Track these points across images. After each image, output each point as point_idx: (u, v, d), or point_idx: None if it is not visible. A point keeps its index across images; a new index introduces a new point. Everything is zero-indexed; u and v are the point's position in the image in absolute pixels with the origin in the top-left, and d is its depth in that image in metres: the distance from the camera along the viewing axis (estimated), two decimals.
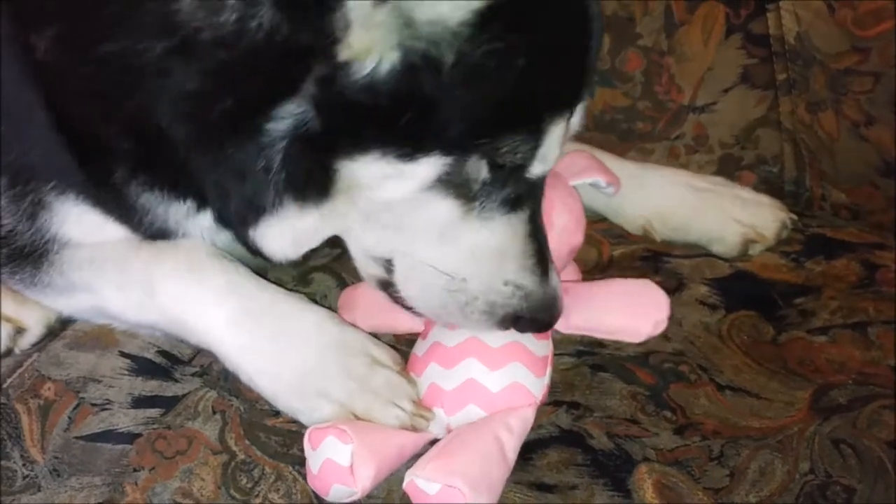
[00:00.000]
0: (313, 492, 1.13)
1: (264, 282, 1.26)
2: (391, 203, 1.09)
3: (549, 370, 1.22)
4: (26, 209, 1.29)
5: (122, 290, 1.30)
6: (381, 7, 0.93)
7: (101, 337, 1.36)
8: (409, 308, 1.20)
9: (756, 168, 1.73)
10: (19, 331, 1.38)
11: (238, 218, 1.13)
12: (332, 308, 1.34)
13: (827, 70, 1.66)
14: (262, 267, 1.36)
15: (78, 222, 1.31)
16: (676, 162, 1.72)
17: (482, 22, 0.96)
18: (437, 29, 0.96)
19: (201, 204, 1.21)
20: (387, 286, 1.20)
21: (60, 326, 1.40)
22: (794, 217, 1.56)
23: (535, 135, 1.10)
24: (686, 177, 1.58)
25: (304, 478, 1.14)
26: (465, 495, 1.03)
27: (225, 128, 1.05)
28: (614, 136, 1.73)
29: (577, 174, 1.37)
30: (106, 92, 1.13)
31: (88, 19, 1.11)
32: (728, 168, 1.72)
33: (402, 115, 0.99)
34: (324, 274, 1.45)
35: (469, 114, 1.02)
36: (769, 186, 1.69)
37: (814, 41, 1.65)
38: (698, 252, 1.51)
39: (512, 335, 1.19)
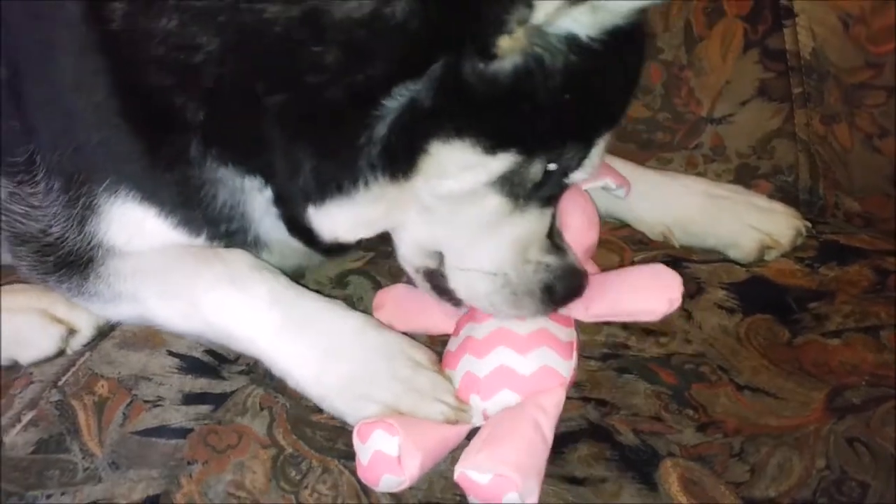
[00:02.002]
0: (359, 483, 1.16)
1: (305, 290, 1.30)
2: (452, 195, 1.15)
3: (575, 354, 1.27)
4: (77, 213, 1.31)
5: (168, 300, 1.33)
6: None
7: (149, 337, 1.39)
8: (452, 299, 1.27)
9: (772, 177, 1.75)
10: (71, 332, 1.40)
11: (303, 193, 1.16)
12: (368, 309, 1.38)
13: (841, 84, 1.68)
14: (299, 273, 1.42)
15: (124, 223, 1.32)
16: (694, 171, 1.75)
17: (600, 40, 1.03)
18: (560, 41, 1.03)
19: (266, 181, 1.24)
20: (433, 277, 1.27)
21: (109, 327, 1.42)
22: (809, 224, 1.59)
23: (589, 145, 1.19)
24: (704, 185, 1.61)
25: (350, 471, 1.18)
26: (517, 483, 1.08)
27: (336, 101, 1.08)
28: (635, 145, 1.76)
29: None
30: (191, 54, 1.13)
31: None
32: (744, 177, 1.75)
33: (507, 110, 1.07)
34: (360, 277, 1.49)
35: (555, 119, 1.10)
36: (784, 195, 1.71)
37: (829, 56, 1.67)
38: (716, 258, 1.54)
39: (538, 323, 1.25)
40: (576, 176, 1.22)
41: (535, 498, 1.10)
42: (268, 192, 1.26)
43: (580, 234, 1.36)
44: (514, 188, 1.17)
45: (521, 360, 1.22)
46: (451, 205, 1.18)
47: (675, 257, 1.53)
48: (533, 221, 1.22)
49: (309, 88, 1.07)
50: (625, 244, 1.56)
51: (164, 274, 1.32)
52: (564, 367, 1.24)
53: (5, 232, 1.42)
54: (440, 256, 1.26)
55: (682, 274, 1.49)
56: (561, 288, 1.24)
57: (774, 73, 1.72)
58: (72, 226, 1.32)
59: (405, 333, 1.31)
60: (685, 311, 1.42)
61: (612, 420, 1.24)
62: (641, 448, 1.21)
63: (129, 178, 1.28)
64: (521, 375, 1.22)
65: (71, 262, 1.35)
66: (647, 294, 1.33)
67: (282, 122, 1.12)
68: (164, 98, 1.19)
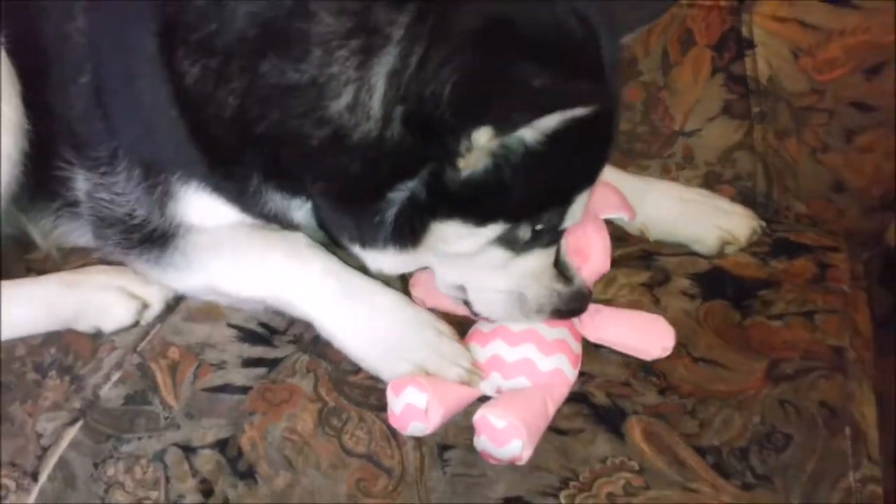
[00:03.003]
0: (388, 429, 1.34)
1: (352, 269, 1.46)
2: (458, 252, 1.33)
3: (579, 364, 1.41)
4: (157, 199, 1.47)
5: (236, 271, 1.49)
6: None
7: (210, 311, 1.55)
8: (478, 314, 1.43)
9: (734, 183, 1.84)
10: (144, 306, 1.56)
11: (347, 238, 1.37)
12: (395, 287, 1.50)
13: (791, 106, 1.76)
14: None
15: (198, 206, 1.48)
16: (668, 176, 1.85)
17: (547, 140, 1.20)
18: (517, 143, 1.21)
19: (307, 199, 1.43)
20: (466, 302, 1.43)
21: (175, 303, 1.57)
22: (764, 224, 1.71)
23: (566, 205, 1.33)
24: (676, 189, 1.74)
25: (381, 420, 1.34)
26: (523, 434, 1.25)
27: (357, 192, 1.29)
28: (618, 153, 1.80)
29: (606, 209, 1.55)
30: (251, 129, 1.32)
31: (242, 74, 1.30)
32: (711, 182, 1.85)
33: (484, 197, 1.25)
34: None
35: (525, 197, 1.27)
36: (744, 198, 1.81)
37: (782, 83, 1.75)
38: (683, 251, 1.66)
39: (560, 333, 1.40)
40: (564, 225, 1.36)
41: (530, 452, 1.27)
42: (308, 205, 1.44)
43: (599, 262, 1.51)
44: (510, 243, 1.32)
45: (544, 359, 1.37)
46: (463, 256, 1.34)
47: (649, 251, 1.66)
48: (537, 259, 1.37)
49: (339, 182, 1.30)
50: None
51: (236, 249, 1.49)
52: (572, 373, 1.39)
53: (92, 217, 1.58)
54: (463, 289, 1.42)
55: (652, 265, 1.62)
56: (566, 310, 1.39)
57: (737, 95, 1.80)
58: (154, 209, 1.48)
59: (431, 309, 1.47)
60: (654, 297, 1.56)
61: (589, 387, 1.40)
62: (612, 408, 1.36)
63: (198, 175, 1.44)
64: (540, 370, 1.37)
65: (154, 239, 1.50)
66: (648, 339, 1.45)
67: (324, 197, 1.35)
68: (228, 145, 1.38)
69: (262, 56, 1.29)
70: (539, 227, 1.33)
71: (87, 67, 1.51)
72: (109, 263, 1.64)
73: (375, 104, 1.22)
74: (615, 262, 1.60)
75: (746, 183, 1.85)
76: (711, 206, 1.72)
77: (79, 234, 1.69)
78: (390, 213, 1.28)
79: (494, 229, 1.30)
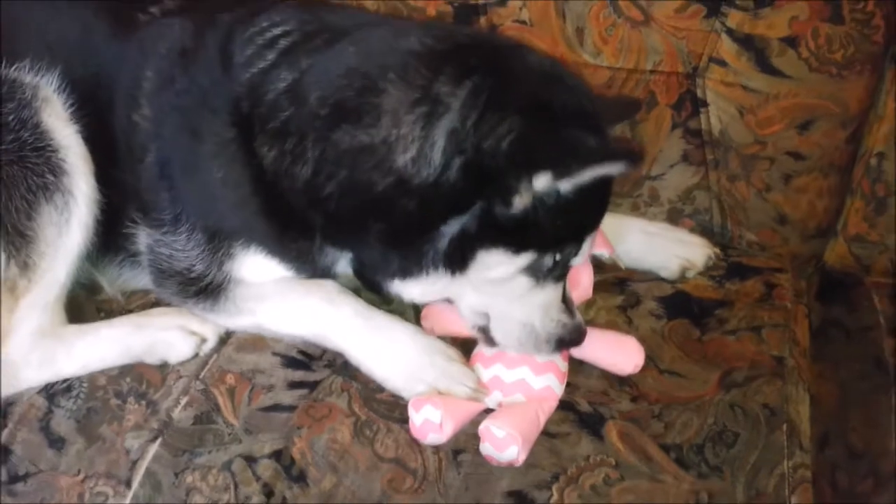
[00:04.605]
0: (412, 439, 1.50)
1: (375, 308, 1.66)
2: (493, 279, 1.51)
3: (565, 380, 1.58)
4: (217, 259, 1.68)
5: (281, 314, 1.69)
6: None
7: (256, 343, 1.71)
8: (495, 344, 1.59)
9: (693, 217, 2.05)
10: (202, 341, 1.73)
11: (389, 274, 1.55)
12: (408, 320, 1.68)
13: (740, 154, 1.97)
14: (358, 289, 1.71)
15: (253, 265, 1.68)
16: (638, 212, 2.04)
17: (574, 190, 1.43)
18: (552, 191, 1.43)
19: (353, 255, 1.63)
20: (484, 331, 1.60)
21: (227, 336, 1.74)
22: (719, 252, 1.91)
23: (580, 243, 1.55)
24: (643, 223, 1.93)
25: (405, 430, 1.51)
26: (519, 440, 1.43)
27: (411, 229, 1.49)
28: None
29: (594, 247, 1.69)
30: (319, 191, 1.51)
31: (315, 146, 1.50)
32: (673, 217, 2.05)
33: (522, 230, 1.45)
34: None
35: (555, 232, 1.48)
36: (703, 229, 2.02)
37: (731, 135, 1.95)
38: (651, 277, 1.86)
39: (550, 356, 1.57)
40: (575, 261, 1.56)
41: (525, 455, 1.45)
42: (349, 255, 1.67)
43: (585, 291, 1.71)
44: (535, 272, 1.51)
45: (536, 378, 1.55)
46: (493, 285, 1.52)
47: (622, 278, 1.85)
48: (550, 292, 1.55)
49: (397, 221, 1.49)
50: None
51: (281, 296, 1.69)
52: (559, 388, 1.57)
53: (152, 268, 1.79)
54: (487, 316, 1.58)
55: (625, 290, 1.82)
56: (568, 340, 1.57)
57: (693, 145, 1.99)
58: (214, 266, 1.68)
59: (442, 336, 1.63)
60: (627, 318, 1.76)
61: (574, 396, 1.58)
62: (593, 414, 1.54)
63: (259, 241, 1.66)
64: (533, 388, 1.55)
65: (209, 291, 1.71)
66: (622, 357, 1.63)
67: (381, 238, 1.53)
68: (298, 209, 1.58)
69: (334, 128, 1.52)
70: (558, 257, 1.52)
71: (152, 147, 1.71)
72: (166, 303, 1.86)
73: (436, 155, 1.45)
74: (594, 288, 1.78)
75: (704, 217, 2.05)
76: (672, 237, 1.93)
77: (138, 279, 1.88)
78: (443, 244, 1.48)
79: (526, 258, 1.49)
